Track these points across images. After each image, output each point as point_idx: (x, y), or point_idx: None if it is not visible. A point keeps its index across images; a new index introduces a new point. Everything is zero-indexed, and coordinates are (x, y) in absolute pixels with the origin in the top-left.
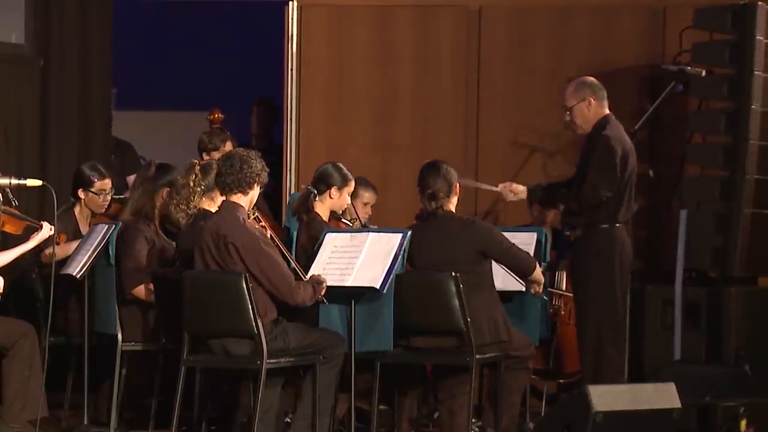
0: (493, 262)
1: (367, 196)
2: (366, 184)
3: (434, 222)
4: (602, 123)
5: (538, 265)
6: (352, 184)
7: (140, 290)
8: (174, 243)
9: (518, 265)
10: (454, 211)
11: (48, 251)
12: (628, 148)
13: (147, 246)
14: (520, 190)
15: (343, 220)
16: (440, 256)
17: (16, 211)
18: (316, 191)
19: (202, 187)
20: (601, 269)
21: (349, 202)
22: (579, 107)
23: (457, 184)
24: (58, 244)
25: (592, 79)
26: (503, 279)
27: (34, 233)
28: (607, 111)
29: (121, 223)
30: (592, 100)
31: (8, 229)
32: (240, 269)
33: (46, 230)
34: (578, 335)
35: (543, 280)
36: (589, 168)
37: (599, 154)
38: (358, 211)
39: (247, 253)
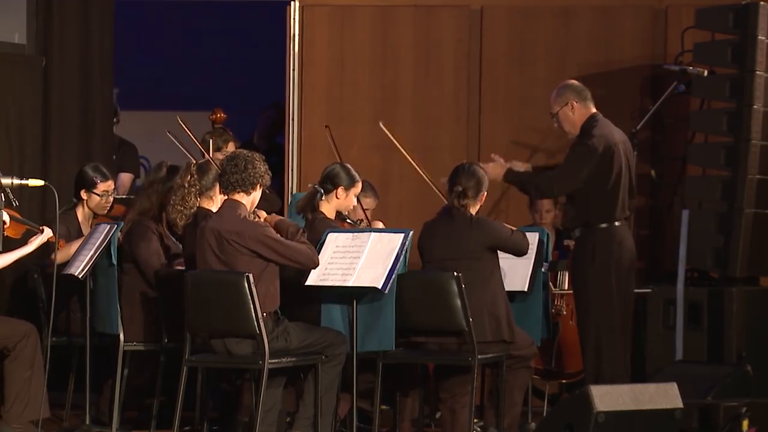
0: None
1: (367, 201)
2: (367, 188)
3: (449, 220)
4: (589, 123)
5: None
6: (360, 185)
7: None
8: (180, 245)
9: (518, 249)
10: (475, 213)
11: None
12: (614, 144)
13: (158, 242)
14: (497, 173)
15: (348, 220)
16: (449, 252)
17: (17, 215)
18: (322, 190)
19: (197, 188)
20: (597, 269)
21: (356, 203)
22: (563, 112)
23: (485, 192)
24: (58, 249)
25: (572, 81)
26: (507, 280)
27: (33, 237)
28: (593, 110)
29: (122, 223)
30: (575, 102)
31: (8, 233)
32: (245, 262)
33: (46, 234)
34: (579, 335)
35: None
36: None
37: (569, 154)
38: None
39: (260, 246)
